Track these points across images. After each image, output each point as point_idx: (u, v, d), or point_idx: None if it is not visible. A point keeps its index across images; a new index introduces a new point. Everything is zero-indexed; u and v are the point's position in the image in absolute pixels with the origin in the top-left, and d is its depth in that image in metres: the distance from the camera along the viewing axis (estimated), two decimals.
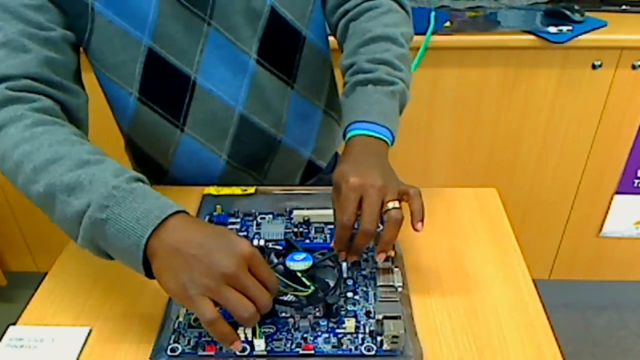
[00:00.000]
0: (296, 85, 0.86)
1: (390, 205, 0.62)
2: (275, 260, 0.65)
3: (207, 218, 0.79)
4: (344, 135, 0.73)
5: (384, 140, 0.70)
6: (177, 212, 0.57)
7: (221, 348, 0.60)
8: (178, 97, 0.80)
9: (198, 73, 0.79)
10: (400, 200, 0.64)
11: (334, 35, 0.87)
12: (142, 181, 0.60)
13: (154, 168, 0.69)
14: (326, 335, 0.61)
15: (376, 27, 0.78)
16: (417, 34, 0.86)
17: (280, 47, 0.82)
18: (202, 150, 0.84)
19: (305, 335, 0.61)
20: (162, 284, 0.56)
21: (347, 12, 0.82)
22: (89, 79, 0.78)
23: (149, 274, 0.57)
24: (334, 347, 0.60)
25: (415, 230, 0.63)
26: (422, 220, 0.64)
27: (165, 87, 0.79)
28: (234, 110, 0.82)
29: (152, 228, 0.54)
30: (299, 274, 0.61)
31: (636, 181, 1.60)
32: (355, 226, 0.63)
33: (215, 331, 0.53)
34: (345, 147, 0.71)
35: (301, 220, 0.77)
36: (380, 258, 0.64)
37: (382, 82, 0.73)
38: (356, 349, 0.60)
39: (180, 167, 0.87)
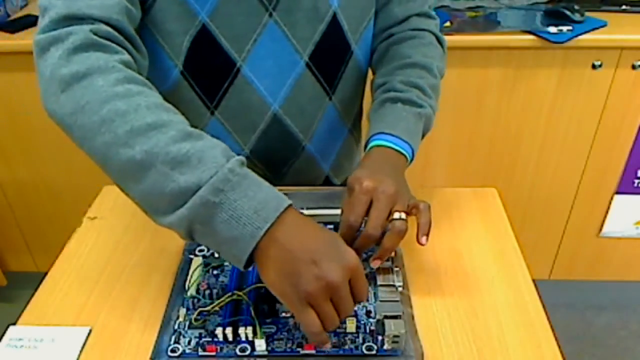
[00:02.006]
0: (334, 97, 0.85)
1: (397, 215, 0.63)
2: None
3: None
4: (366, 145, 0.74)
5: (404, 155, 0.72)
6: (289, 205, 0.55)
7: (222, 348, 0.60)
8: (218, 79, 0.78)
9: (245, 61, 0.77)
10: (408, 213, 0.64)
11: (370, 60, 0.88)
12: (244, 164, 0.57)
13: None
14: (327, 335, 0.61)
15: (416, 54, 0.81)
16: None
17: (331, 56, 0.82)
18: (227, 138, 0.83)
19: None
20: (266, 281, 0.55)
21: (391, 35, 0.85)
22: None
23: (247, 264, 0.55)
24: (334, 346, 0.60)
25: (420, 244, 0.64)
26: (427, 235, 0.64)
27: (208, 67, 0.77)
28: (269, 107, 0.81)
29: (272, 221, 0.53)
30: None
31: (636, 181, 1.60)
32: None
33: (314, 339, 0.55)
34: (364, 155, 0.72)
35: None
36: (374, 264, 0.65)
37: (412, 103, 0.75)
38: (357, 348, 0.60)
39: None
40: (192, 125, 0.72)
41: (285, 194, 0.81)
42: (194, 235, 0.56)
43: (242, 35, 0.75)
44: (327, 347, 0.57)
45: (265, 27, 0.75)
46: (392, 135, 0.72)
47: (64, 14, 0.61)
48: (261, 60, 0.77)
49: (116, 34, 0.63)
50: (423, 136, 0.77)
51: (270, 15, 0.75)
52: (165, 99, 0.77)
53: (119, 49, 0.63)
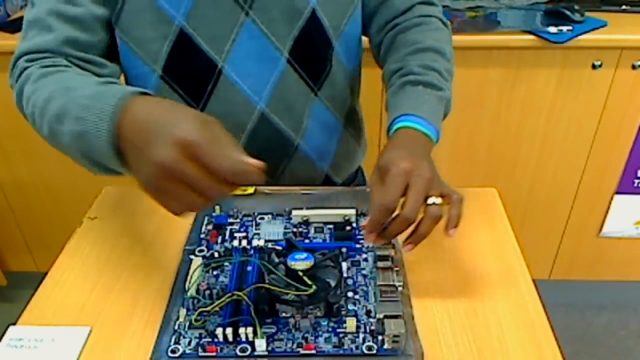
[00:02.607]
0: (320, 93, 0.85)
1: (432, 200, 0.62)
2: (277, 260, 0.65)
3: (205, 219, 0.79)
4: (389, 129, 0.72)
5: (430, 138, 0.70)
6: (140, 94, 0.55)
7: (222, 349, 0.60)
8: (201, 82, 0.79)
9: (225, 62, 0.77)
10: (441, 197, 0.63)
11: (376, 54, 0.88)
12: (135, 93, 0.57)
13: None
14: (327, 335, 0.61)
15: (426, 39, 0.80)
16: None
17: (312, 52, 0.82)
18: None
19: (306, 335, 0.61)
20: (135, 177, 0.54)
21: (396, 25, 0.84)
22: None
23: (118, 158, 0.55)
24: (335, 346, 0.60)
25: (448, 235, 0.63)
26: (456, 227, 0.63)
27: (190, 70, 0.78)
28: (255, 107, 0.81)
29: (111, 107, 0.53)
30: (300, 274, 0.61)
31: (636, 181, 1.60)
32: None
33: (178, 215, 0.52)
34: (392, 137, 0.70)
35: (300, 221, 0.77)
36: (407, 249, 0.64)
37: (432, 86, 0.74)
38: (357, 348, 0.60)
39: None
40: None
41: (286, 194, 0.81)
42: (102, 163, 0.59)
43: (220, 36, 0.76)
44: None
45: (242, 26, 0.76)
46: (418, 117, 0.70)
47: (15, 57, 0.73)
48: (242, 59, 0.78)
49: (52, 55, 0.71)
50: (443, 119, 0.76)
51: (247, 14, 0.75)
52: None
53: (51, 57, 0.70)
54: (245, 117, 0.82)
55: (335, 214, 0.77)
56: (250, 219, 0.78)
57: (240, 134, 0.83)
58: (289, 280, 0.61)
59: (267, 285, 0.61)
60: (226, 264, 0.71)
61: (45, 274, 0.73)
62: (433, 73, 0.75)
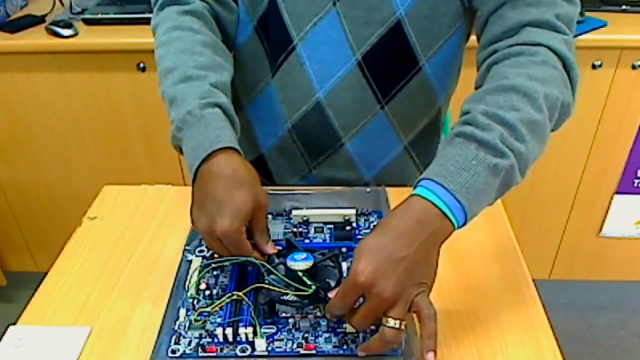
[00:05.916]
0: (387, 107, 0.82)
1: (391, 322, 0.53)
2: (276, 260, 0.65)
3: None
4: (415, 185, 0.60)
5: (450, 221, 0.56)
6: (224, 148, 0.65)
7: (222, 349, 0.60)
8: (278, 50, 0.81)
9: (301, 41, 0.79)
10: (403, 320, 0.54)
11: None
12: (220, 106, 0.68)
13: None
14: (327, 335, 0.61)
15: (517, 75, 0.62)
16: None
17: (390, 64, 0.79)
18: (276, 106, 0.85)
19: (306, 335, 0.61)
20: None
21: (495, 51, 0.68)
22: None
23: None
24: (335, 346, 0.60)
25: None
26: (434, 350, 0.53)
27: (273, 35, 0.81)
28: (315, 93, 0.81)
29: (200, 161, 0.65)
30: (300, 274, 0.61)
31: (636, 181, 1.60)
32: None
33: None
34: (399, 205, 0.58)
35: (300, 220, 0.77)
36: (360, 353, 0.58)
37: (489, 148, 0.57)
38: (357, 348, 0.60)
39: (250, 114, 0.90)
40: (251, 81, 0.86)
41: (286, 194, 0.81)
42: None
43: (304, 15, 0.78)
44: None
45: (327, 13, 0.77)
46: (445, 189, 0.56)
47: None
48: (316, 45, 0.79)
49: (195, 1, 0.78)
50: (501, 194, 0.61)
51: (334, 4, 0.76)
52: (237, 52, 0.87)
53: (193, 0, 0.78)
54: (304, 98, 0.82)
55: (335, 214, 0.77)
56: None
57: (294, 112, 0.84)
58: (288, 281, 0.61)
59: (267, 286, 0.61)
60: (226, 264, 0.70)
61: (45, 274, 0.73)
62: (500, 128, 0.58)
